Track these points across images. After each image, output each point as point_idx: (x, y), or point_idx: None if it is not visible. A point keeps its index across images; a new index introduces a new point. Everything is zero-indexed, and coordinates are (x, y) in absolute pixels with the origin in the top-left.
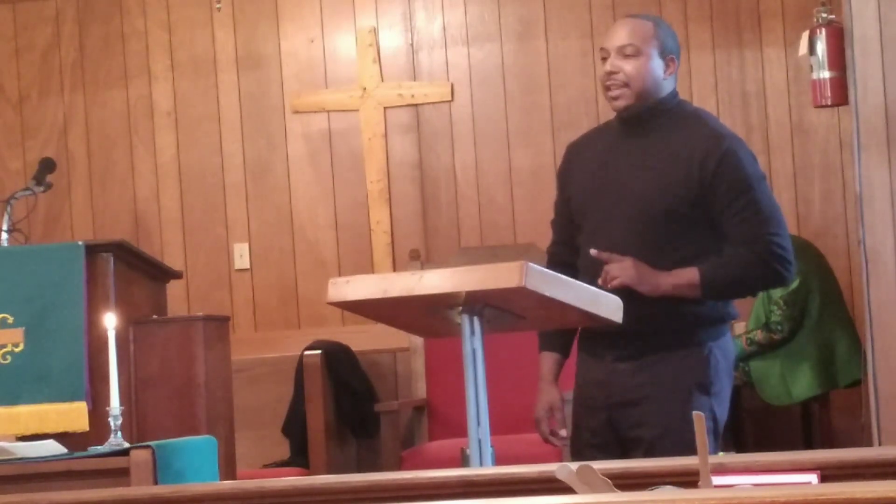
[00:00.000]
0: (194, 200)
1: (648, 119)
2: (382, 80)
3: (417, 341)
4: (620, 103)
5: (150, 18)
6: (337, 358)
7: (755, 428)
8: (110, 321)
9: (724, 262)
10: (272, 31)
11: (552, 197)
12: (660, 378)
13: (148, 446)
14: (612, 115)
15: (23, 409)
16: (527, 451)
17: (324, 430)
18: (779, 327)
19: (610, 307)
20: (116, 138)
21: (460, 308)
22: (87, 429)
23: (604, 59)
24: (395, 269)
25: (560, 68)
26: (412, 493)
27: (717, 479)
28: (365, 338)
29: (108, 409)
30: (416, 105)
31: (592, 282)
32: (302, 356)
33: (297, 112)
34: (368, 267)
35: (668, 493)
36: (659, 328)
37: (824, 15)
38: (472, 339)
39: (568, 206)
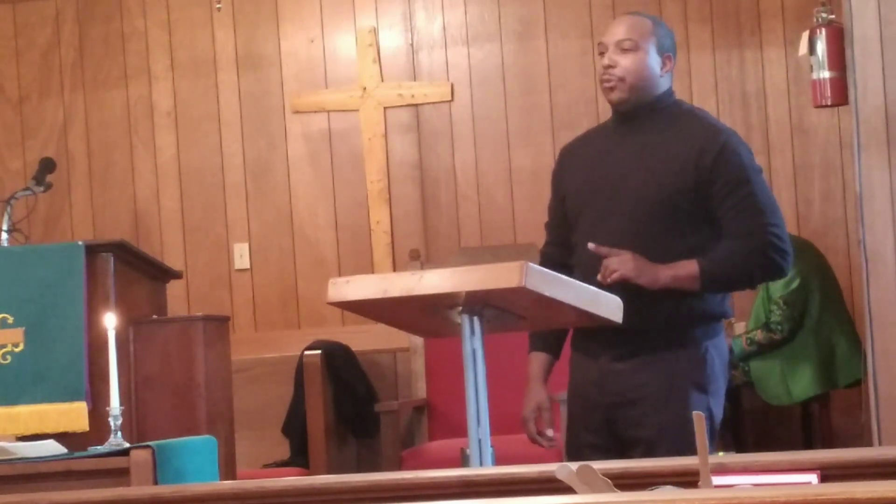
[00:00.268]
0: (194, 200)
1: (645, 115)
2: (382, 80)
3: (417, 341)
4: (616, 96)
5: (150, 18)
6: (337, 358)
7: (755, 428)
8: (110, 321)
9: (724, 254)
10: (272, 31)
11: None
12: (656, 377)
13: (148, 446)
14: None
15: (23, 409)
16: (527, 451)
17: (324, 430)
18: (779, 327)
19: (610, 307)
20: (116, 138)
21: (460, 308)
22: (87, 429)
23: (601, 54)
24: (395, 269)
25: (560, 68)
26: (412, 493)
27: (717, 479)
28: (365, 338)
29: (108, 409)
30: (416, 105)
31: (588, 279)
32: (302, 356)
33: (297, 112)
34: (368, 267)
35: (668, 493)
36: (654, 327)
37: (824, 15)
38: (472, 339)
39: (563, 207)
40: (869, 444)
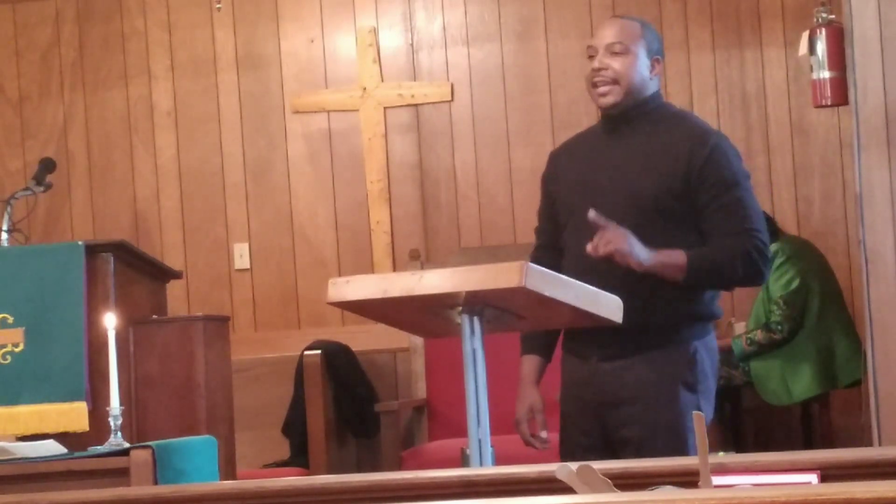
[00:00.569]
0: (194, 200)
1: (634, 117)
2: (382, 80)
3: (417, 341)
4: (609, 100)
5: (150, 18)
6: (337, 358)
7: (755, 428)
8: (110, 321)
9: (711, 251)
10: (272, 31)
11: None
12: (646, 377)
13: (148, 446)
14: None
15: (23, 409)
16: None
17: (324, 430)
18: (779, 327)
19: (610, 307)
20: (116, 138)
21: (460, 308)
22: (87, 429)
23: (591, 58)
24: (395, 269)
25: (560, 68)
26: (412, 493)
27: (717, 479)
28: (365, 338)
29: (108, 409)
30: (416, 105)
31: (578, 278)
32: (302, 356)
33: (297, 112)
34: (368, 267)
35: (668, 493)
36: (644, 327)
37: (824, 15)
38: (472, 339)
39: (553, 209)
40: (869, 444)
